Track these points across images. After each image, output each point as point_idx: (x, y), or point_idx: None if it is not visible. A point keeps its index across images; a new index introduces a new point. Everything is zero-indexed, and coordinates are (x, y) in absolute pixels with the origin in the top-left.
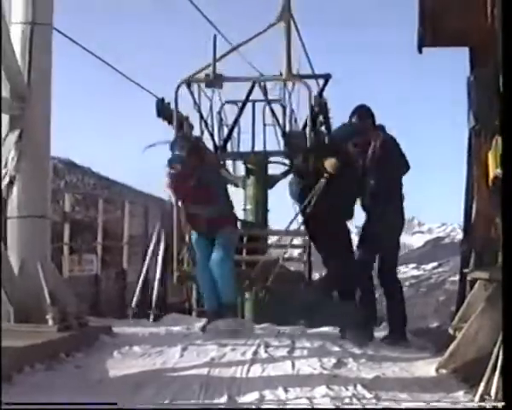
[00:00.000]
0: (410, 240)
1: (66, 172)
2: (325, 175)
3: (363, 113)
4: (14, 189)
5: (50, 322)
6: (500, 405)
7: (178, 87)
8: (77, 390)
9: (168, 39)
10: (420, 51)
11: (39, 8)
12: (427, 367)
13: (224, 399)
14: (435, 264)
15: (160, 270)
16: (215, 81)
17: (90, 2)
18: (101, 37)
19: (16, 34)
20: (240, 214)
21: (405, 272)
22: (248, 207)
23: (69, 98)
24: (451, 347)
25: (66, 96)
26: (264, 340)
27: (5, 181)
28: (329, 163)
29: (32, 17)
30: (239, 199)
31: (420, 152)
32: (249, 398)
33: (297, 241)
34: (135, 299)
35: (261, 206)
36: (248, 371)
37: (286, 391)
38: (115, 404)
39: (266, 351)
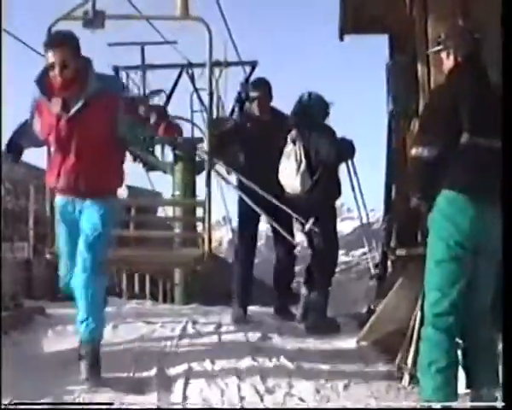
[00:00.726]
0: (340, 226)
1: None
2: None
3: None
4: None
5: None
6: (500, 405)
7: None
8: (14, 366)
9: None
10: (341, 39)
11: None
12: (348, 341)
13: (153, 371)
14: (365, 250)
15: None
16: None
17: None
18: None
19: None
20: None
21: None
22: (177, 193)
23: None
24: (371, 320)
25: None
26: (191, 317)
27: None
28: None
29: None
30: (168, 185)
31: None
32: (178, 370)
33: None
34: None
35: (189, 192)
36: (177, 345)
37: (213, 363)
38: (111, 404)
39: (194, 327)
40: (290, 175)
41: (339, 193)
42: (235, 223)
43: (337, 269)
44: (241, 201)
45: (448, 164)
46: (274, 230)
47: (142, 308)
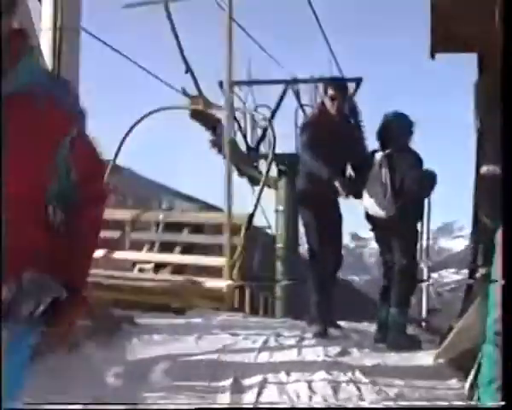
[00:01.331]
0: (451, 244)
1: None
2: None
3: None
4: None
5: None
6: (500, 405)
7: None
8: (95, 371)
9: (191, 39)
10: (432, 57)
11: (67, 14)
12: (426, 358)
13: (229, 381)
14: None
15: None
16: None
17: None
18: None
19: (46, 40)
20: (271, 216)
21: (446, 276)
22: (280, 208)
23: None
24: (449, 338)
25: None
26: (276, 331)
27: None
28: None
29: (60, 22)
30: (271, 200)
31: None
32: (254, 380)
33: None
34: None
35: (292, 207)
36: (257, 357)
37: (288, 375)
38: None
39: (276, 340)
40: (375, 200)
41: (421, 217)
42: None
43: (447, 288)
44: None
45: None
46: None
47: (232, 320)
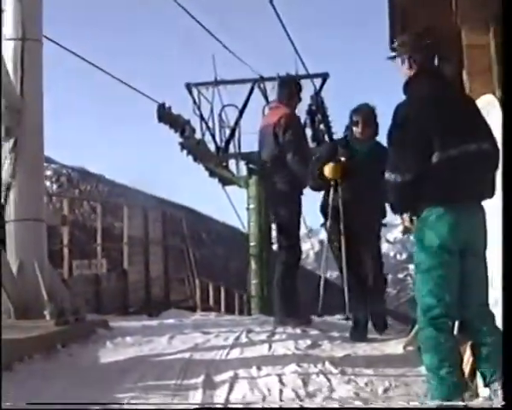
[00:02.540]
0: None
1: (80, 180)
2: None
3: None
4: (11, 194)
5: (48, 317)
6: (500, 405)
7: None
8: (69, 375)
9: (161, 44)
10: (392, 49)
11: (29, 24)
12: (397, 346)
13: (201, 378)
14: None
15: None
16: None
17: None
18: (98, 45)
19: (8, 50)
20: (243, 214)
21: None
22: (252, 206)
23: (72, 107)
24: (417, 326)
25: (70, 105)
26: (248, 327)
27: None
28: (328, 169)
29: (22, 33)
30: (242, 199)
31: None
32: (225, 376)
33: None
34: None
35: (264, 205)
36: (228, 354)
37: (259, 369)
38: (118, 404)
39: (247, 337)
40: None
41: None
42: (322, 235)
43: None
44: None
45: (423, 183)
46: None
47: (205, 320)
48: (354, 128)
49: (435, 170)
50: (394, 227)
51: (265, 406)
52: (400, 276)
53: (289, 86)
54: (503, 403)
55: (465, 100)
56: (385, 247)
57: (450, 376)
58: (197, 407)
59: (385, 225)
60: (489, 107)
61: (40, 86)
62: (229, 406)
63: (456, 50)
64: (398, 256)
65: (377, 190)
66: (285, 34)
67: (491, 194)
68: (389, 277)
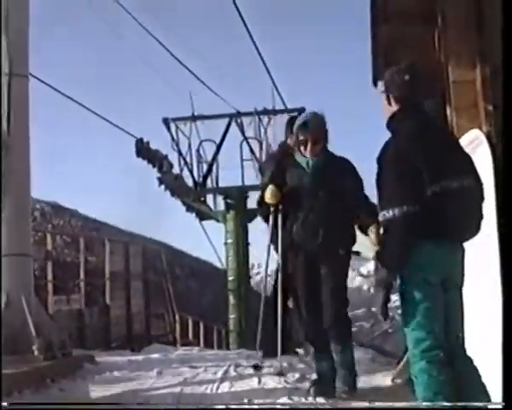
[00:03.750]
0: None
1: (53, 215)
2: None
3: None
4: None
5: (36, 352)
6: (500, 405)
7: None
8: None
9: (135, 77)
10: (375, 85)
11: (16, 60)
12: (385, 378)
13: None
14: None
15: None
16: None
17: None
18: (70, 75)
19: None
20: (221, 249)
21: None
22: (229, 241)
23: (49, 142)
24: (405, 357)
25: (46, 140)
26: (235, 362)
27: None
28: (267, 193)
29: (8, 68)
30: (220, 233)
31: None
32: None
33: None
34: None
35: (241, 239)
36: (218, 387)
37: (251, 403)
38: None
39: (235, 371)
40: None
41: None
42: None
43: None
44: None
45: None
46: None
47: (190, 354)
48: (300, 147)
49: (424, 205)
50: (367, 261)
51: None
52: (374, 309)
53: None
54: (502, 403)
55: (448, 136)
56: (358, 280)
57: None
58: (197, 407)
59: (357, 254)
60: (476, 142)
61: (27, 123)
62: (234, 406)
63: (440, 86)
64: (371, 290)
65: (339, 213)
66: (263, 68)
67: (474, 232)
68: (363, 310)
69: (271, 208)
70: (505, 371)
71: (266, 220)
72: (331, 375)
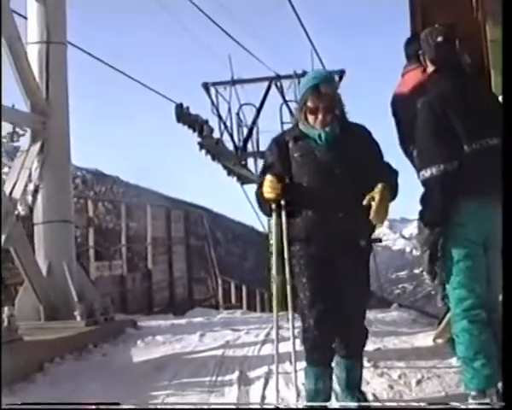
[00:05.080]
0: None
1: (94, 182)
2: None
3: None
4: (39, 197)
5: (78, 318)
6: (500, 405)
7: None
8: (103, 375)
9: (174, 43)
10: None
11: (53, 28)
12: (426, 339)
13: (235, 375)
14: None
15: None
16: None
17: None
18: (110, 44)
19: (33, 53)
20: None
21: None
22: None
23: (91, 111)
24: (446, 318)
25: (88, 108)
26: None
27: (30, 190)
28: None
29: (46, 37)
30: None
31: None
32: (259, 372)
33: None
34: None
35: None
36: (259, 350)
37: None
38: (118, 404)
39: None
40: None
41: None
42: None
43: None
44: None
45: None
46: None
47: (232, 318)
48: (310, 116)
49: (464, 162)
50: (409, 222)
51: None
52: (416, 271)
53: None
54: (502, 403)
55: (487, 95)
56: (401, 242)
57: (484, 368)
58: (196, 407)
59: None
60: None
61: (66, 89)
62: (229, 406)
63: (479, 46)
64: (414, 252)
65: (359, 195)
66: (302, 31)
67: None
68: (406, 272)
69: (273, 205)
70: (505, 371)
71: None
72: (326, 396)
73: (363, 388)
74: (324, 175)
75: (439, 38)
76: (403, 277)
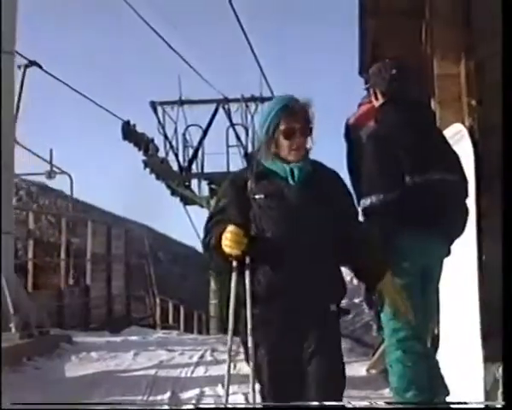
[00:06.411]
0: None
1: (39, 195)
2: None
3: None
4: None
5: (13, 330)
6: (500, 405)
7: None
8: (35, 388)
9: (122, 57)
10: (361, 75)
11: (4, 36)
12: (360, 368)
13: (167, 395)
14: None
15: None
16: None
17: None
18: (59, 57)
19: None
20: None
21: None
22: None
23: (38, 121)
24: (380, 349)
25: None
26: (212, 346)
27: None
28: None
29: None
30: (204, 219)
31: None
32: (191, 394)
33: None
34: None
35: None
36: (193, 371)
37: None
38: (118, 404)
39: (212, 355)
40: None
41: None
42: None
43: None
44: None
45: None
46: None
47: (168, 338)
48: (285, 142)
49: (405, 194)
50: None
51: None
52: (356, 301)
53: None
54: (502, 403)
55: (435, 129)
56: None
57: (416, 399)
58: (195, 407)
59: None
60: (458, 136)
61: (12, 99)
62: (234, 406)
63: (426, 80)
64: (354, 281)
65: (331, 248)
66: (251, 54)
67: (459, 231)
68: (345, 301)
69: (234, 263)
70: (505, 371)
71: (220, 274)
72: None
73: None
74: (295, 221)
75: (393, 71)
76: (341, 306)
